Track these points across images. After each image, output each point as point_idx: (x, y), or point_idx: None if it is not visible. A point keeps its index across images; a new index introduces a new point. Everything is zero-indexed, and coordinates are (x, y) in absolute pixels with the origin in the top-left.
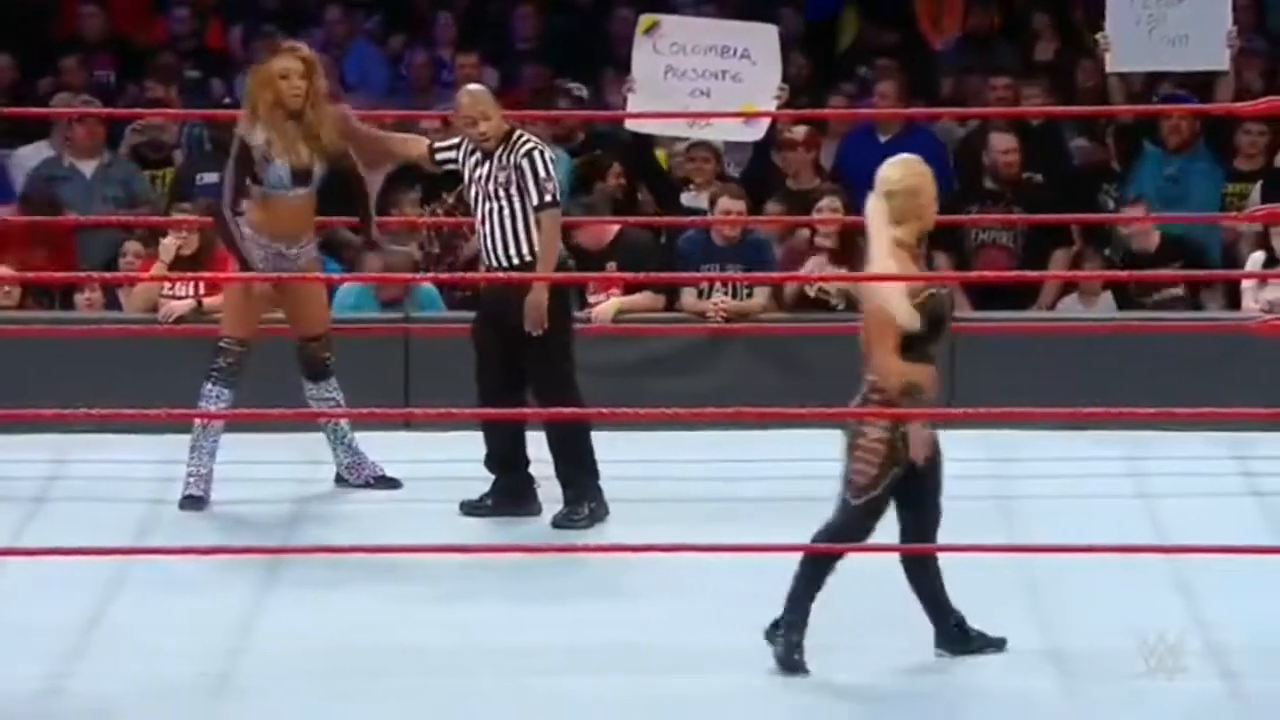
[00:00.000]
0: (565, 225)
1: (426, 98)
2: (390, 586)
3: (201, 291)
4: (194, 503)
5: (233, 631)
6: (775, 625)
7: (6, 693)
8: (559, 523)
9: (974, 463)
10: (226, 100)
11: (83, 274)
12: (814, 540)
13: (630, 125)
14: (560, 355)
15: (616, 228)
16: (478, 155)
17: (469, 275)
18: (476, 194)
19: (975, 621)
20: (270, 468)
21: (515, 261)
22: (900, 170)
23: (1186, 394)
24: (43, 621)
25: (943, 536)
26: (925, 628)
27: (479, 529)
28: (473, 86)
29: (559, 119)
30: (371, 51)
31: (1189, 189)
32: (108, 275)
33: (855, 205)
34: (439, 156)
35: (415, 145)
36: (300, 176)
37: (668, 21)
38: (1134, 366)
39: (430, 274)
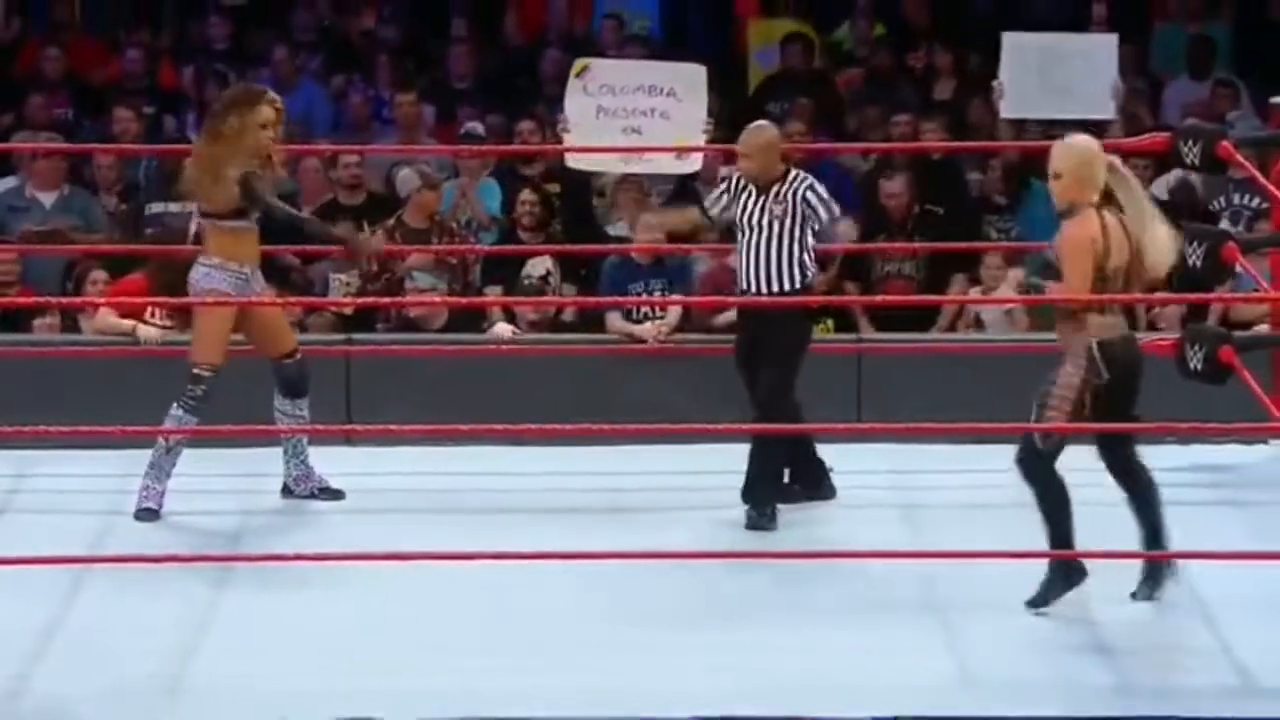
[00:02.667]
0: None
1: (365, 134)
2: (336, 591)
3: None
4: (149, 515)
5: (187, 633)
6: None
7: None
8: (751, 524)
9: (878, 474)
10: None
11: (42, 299)
12: None
13: (570, 162)
14: (790, 367)
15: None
16: (751, 190)
17: (722, 299)
18: (748, 226)
19: (876, 622)
20: (220, 480)
21: (779, 288)
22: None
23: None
24: (5, 626)
25: (848, 543)
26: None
27: (416, 537)
28: (759, 122)
29: (513, 154)
30: (316, 90)
31: None
32: (64, 300)
33: None
34: (712, 213)
35: (690, 214)
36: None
37: (598, 65)
38: (1025, 384)
39: (369, 297)
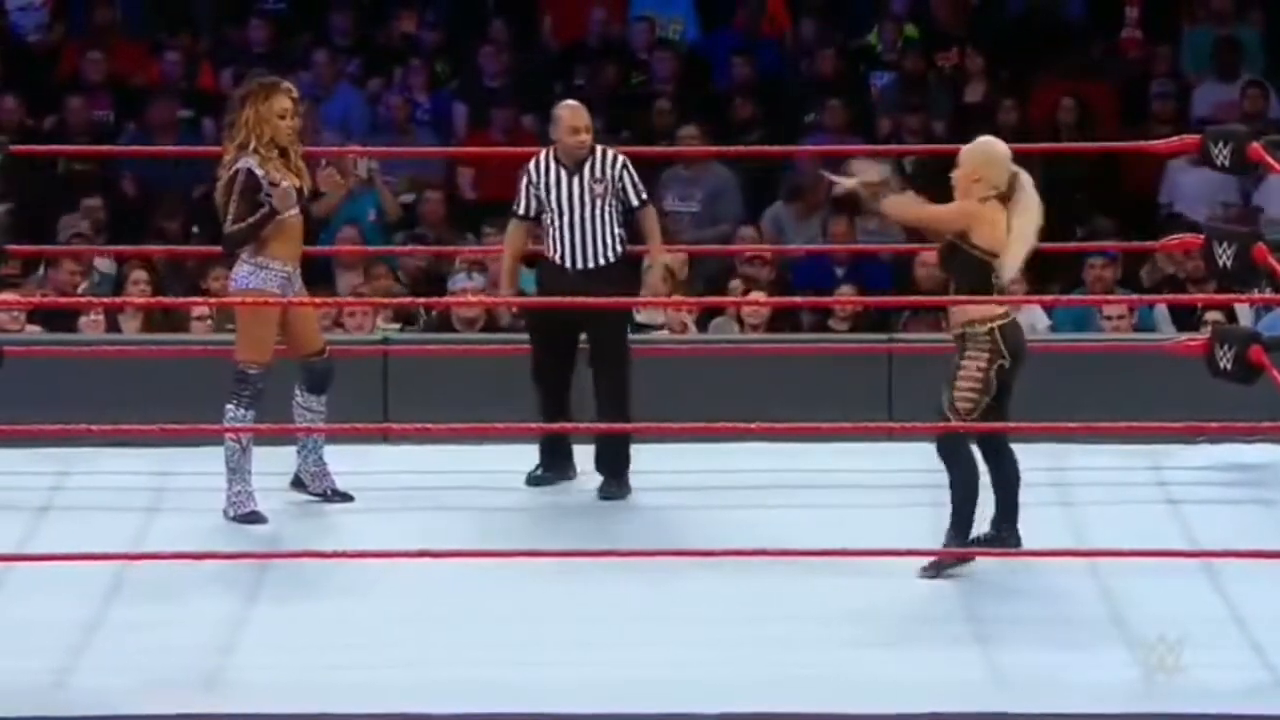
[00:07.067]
0: None
1: (405, 136)
2: (373, 587)
3: None
4: (254, 518)
5: (225, 629)
6: None
7: (13, 685)
8: (606, 495)
9: (909, 473)
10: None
11: (84, 299)
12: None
13: None
14: (625, 339)
15: None
16: (561, 170)
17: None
18: (565, 206)
19: (903, 618)
20: (255, 479)
21: (605, 261)
22: None
23: (1107, 408)
24: (47, 620)
25: (878, 540)
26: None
27: (453, 535)
28: (571, 101)
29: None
30: (353, 94)
31: None
32: (106, 301)
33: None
34: (531, 214)
35: (518, 235)
36: (301, 196)
37: None
38: (1055, 382)
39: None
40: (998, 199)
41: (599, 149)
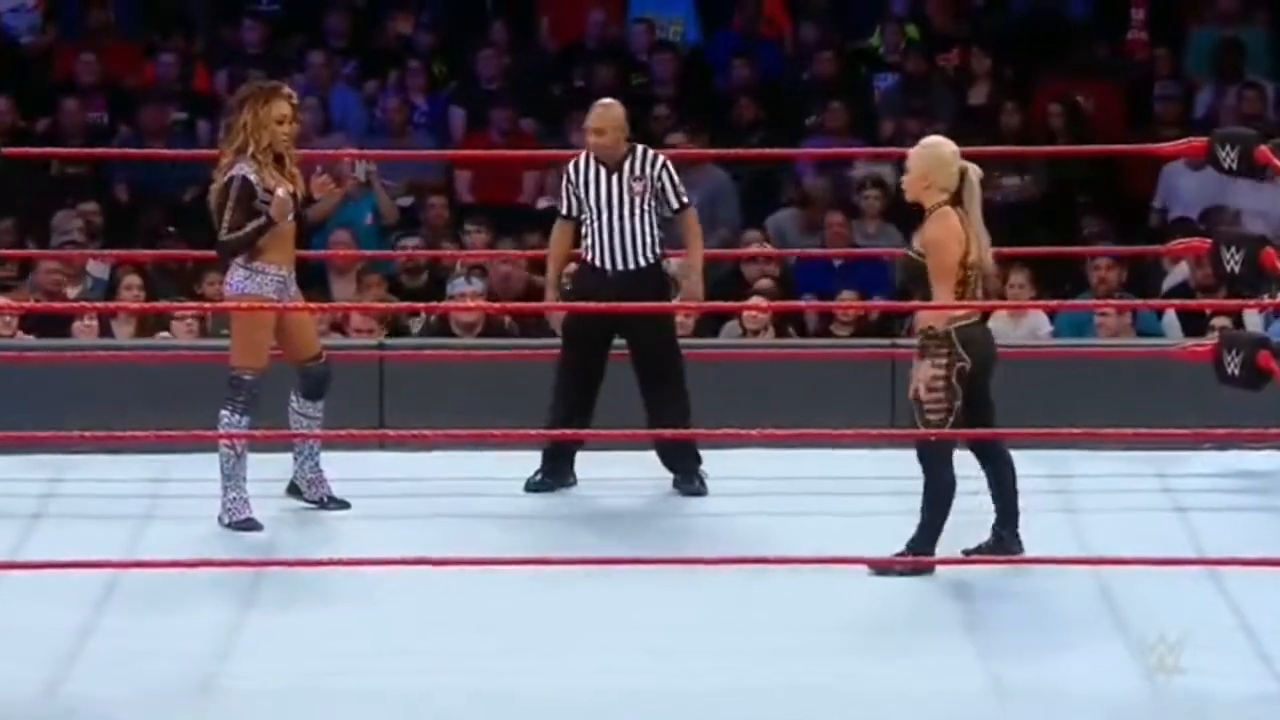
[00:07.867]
0: None
1: (403, 139)
2: (368, 596)
3: None
4: (250, 524)
5: (219, 637)
6: None
7: (5, 694)
8: (685, 492)
9: (912, 479)
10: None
11: (78, 304)
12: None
13: None
14: (674, 339)
15: None
16: (601, 168)
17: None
18: (604, 205)
19: (903, 629)
20: (249, 486)
21: (644, 263)
22: None
23: (1112, 414)
24: (40, 628)
25: (878, 547)
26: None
27: (449, 543)
28: (606, 100)
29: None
30: (349, 95)
31: None
32: (100, 305)
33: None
34: (573, 214)
35: (563, 237)
36: (296, 202)
37: None
38: (1054, 388)
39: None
40: (949, 201)
41: (639, 148)
